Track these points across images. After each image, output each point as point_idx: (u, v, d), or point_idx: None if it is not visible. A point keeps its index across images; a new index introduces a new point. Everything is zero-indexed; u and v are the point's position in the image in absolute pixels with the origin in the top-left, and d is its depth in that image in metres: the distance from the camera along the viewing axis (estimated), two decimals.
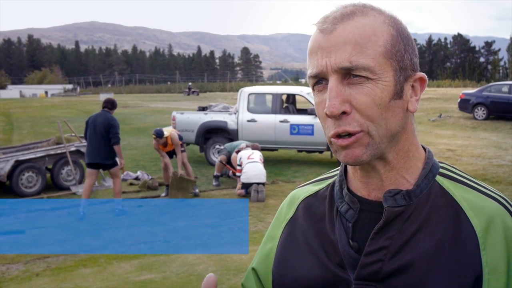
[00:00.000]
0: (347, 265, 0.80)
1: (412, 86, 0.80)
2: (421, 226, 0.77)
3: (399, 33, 0.78)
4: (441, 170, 0.83)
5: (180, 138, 8.38)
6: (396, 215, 0.78)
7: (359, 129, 0.75)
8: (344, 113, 0.74)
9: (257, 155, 8.43)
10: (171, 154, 8.36)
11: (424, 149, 0.86)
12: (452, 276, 0.73)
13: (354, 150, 0.76)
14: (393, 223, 0.78)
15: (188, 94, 43.19)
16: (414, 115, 0.84)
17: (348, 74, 0.74)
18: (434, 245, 0.75)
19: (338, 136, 0.76)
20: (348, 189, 0.85)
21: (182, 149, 8.34)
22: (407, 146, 0.81)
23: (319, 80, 0.78)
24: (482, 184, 0.83)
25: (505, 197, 0.81)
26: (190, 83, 53.33)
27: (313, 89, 0.80)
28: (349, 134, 0.75)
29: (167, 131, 8.22)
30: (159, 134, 7.90)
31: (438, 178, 0.81)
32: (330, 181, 0.93)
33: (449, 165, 0.86)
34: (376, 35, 0.75)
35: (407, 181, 0.81)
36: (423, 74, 0.80)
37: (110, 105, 7.18)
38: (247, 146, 8.79)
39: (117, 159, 7.14)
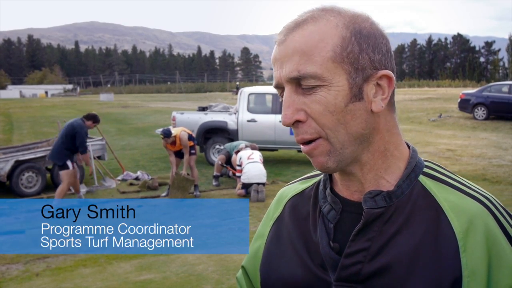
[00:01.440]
0: (328, 266, 0.80)
1: (378, 85, 0.77)
2: (401, 228, 0.76)
3: (354, 34, 0.75)
4: (425, 169, 0.82)
5: (192, 138, 8.26)
6: (375, 217, 0.77)
7: (317, 135, 0.75)
8: (299, 121, 0.75)
9: (257, 155, 8.43)
10: (181, 154, 8.23)
11: (409, 147, 0.84)
12: (430, 278, 0.73)
13: (318, 158, 0.77)
14: (373, 225, 0.77)
15: (236, 94, 43.13)
16: (396, 113, 0.82)
17: (300, 83, 0.75)
18: (414, 246, 0.75)
19: (302, 142, 0.77)
20: (332, 189, 0.85)
21: (193, 151, 8.22)
22: (383, 145, 0.79)
23: (282, 91, 0.79)
24: (468, 184, 0.81)
25: (490, 197, 0.79)
26: (238, 83, 53.33)
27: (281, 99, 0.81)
28: (310, 141, 0.76)
29: (176, 130, 8.14)
30: (166, 134, 7.86)
31: (421, 178, 0.80)
32: (316, 179, 0.93)
33: (434, 164, 0.84)
34: (324, 40, 0.74)
35: (387, 181, 0.80)
36: (387, 71, 0.77)
37: (86, 115, 7.38)
38: (246, 146, 8.78)
39: (68, 163, 7.04)
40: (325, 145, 0.76)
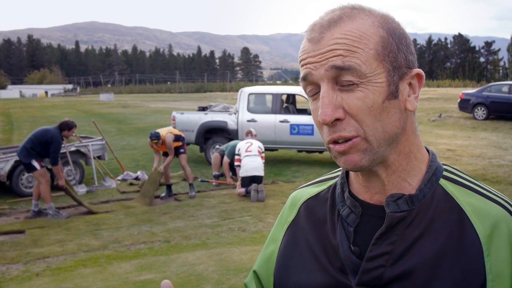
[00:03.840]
0: (348, 270, 0.79)
1: (410, 84, 0.78)
2: (424, 232, 0.76)
3: (390, 34, 0.76)
4: (445, 173, 0.81)
5: (181, 139, 8.22)
6: (398, 221, 0.76)
7: (355, 133, 0.74)
8: (338, 119, 0.74)
9: (255, 147, 8.41)
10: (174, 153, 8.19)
11: (428, 151, 0.84)
12: (454, 283, 0.72)
13: (352, 156, 0.75)
14: (395, 229, 0.77)
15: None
16: (415, 115, 0.82)
17: (339, 79, 0.73)
18: (437, 251, 0.74)
19: (335, 142, 0.75)
20: (350, 192, 0.84)
21: (182, 150, 8.22)
22: (408, 147, 0.79)
23: (313, 88, 0.77)
24: (487, 188, 0.81)
25: (510, 201, 0.79)
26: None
27: (308, 96, 0.79)
28: (346, 140, 0.75)
29: (162, 132, 8.06)
30: (157, 137, 7.81)
31: (442, 182, 0.80)
32: (331, 182, 0.91)
33: (452, 168, 0.84)
34: (365, 38, 0.74)
35: (409, 184, 0.79)
36: (419, 70, 0.78)
37: (60, 125, 7.08)
38: (248, 134, 8.80)
39: (34, 163, 6.85)
40: (362, 143, 0.74)
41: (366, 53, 0.73)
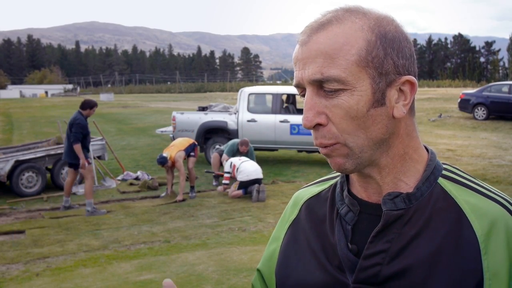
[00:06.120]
0: (345, 268, 0.80)
1: (401, 90, 0.76)
2: (421, 230, 0.75)
3: (379, 37, 0.74)
4: (444, 172, 0.81)
5: (194, 147, 8.21)
6: (395, 219, 0.77)
7: (334, 141, 0.75)
8: (320, 124, 0.75)
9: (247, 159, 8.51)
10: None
11: (427, 150, 0.84)
12: (451, 282, 0.72)
13: (336, 159, 0.77)
14: (392, 227, 0.77)
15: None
16: (414, 116, 0.81)
17: (323, 85, 0.74)
18: (434, 249, 0.74)
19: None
20: (349, 191, 0.85)
21: (193, 153, 8.18)
22: (403, 149, 0.79)
23: (303, 90, 0.78)
24: (487, 187, 0.80)
25: (510, 199, 0.79)
26: None
27: (301, 97, 0.81)
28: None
29: (171, 151, 7.94)
30: (162, 162, 7.81)
31: (441, 181, 0.79)
32: (332, 182, 0.92)
33: (453, 167, 0.84)
34: (349, 43, 0.73)
35: (406, 184, 0.79)
36: (411, 77, 0.76)
37: (81, 105, 7.33)
38: (239, 144, 8.79)
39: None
40: (343, 149, 0.75)
41: (347, 60, 0.72)
